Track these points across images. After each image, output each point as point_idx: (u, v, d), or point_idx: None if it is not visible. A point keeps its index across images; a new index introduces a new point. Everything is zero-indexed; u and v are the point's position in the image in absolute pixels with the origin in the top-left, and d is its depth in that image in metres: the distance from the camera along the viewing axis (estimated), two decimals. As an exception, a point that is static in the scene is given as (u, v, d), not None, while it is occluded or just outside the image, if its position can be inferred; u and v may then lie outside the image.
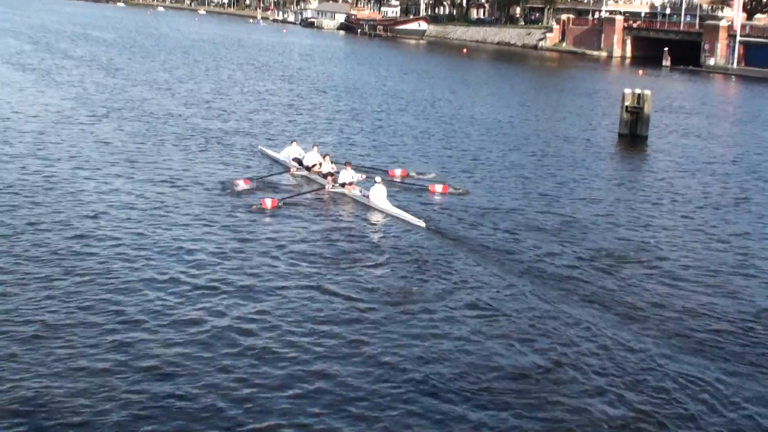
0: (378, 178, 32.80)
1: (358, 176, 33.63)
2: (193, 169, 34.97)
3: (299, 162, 36.13)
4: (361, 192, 33.00)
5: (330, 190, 33.53)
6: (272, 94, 65.79)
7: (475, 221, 29.62)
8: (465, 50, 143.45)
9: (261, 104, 58.27)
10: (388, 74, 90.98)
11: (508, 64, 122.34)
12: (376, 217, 30.90)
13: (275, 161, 37.85)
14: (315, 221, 29.33)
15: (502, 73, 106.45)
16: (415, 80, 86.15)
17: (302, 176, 35.73)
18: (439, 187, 33.99)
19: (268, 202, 30.77)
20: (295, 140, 37.74)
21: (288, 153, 36.67)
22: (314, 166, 35.35)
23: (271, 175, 35.08)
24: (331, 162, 34.88)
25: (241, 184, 33.10)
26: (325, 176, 34.59)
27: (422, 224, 28.36)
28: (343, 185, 33.66)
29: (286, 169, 36.09)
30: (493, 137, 50.22)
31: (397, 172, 36.51)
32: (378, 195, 32.20)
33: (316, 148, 36.20)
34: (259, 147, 38.88)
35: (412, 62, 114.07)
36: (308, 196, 32.30)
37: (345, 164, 33.93)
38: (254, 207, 29.89)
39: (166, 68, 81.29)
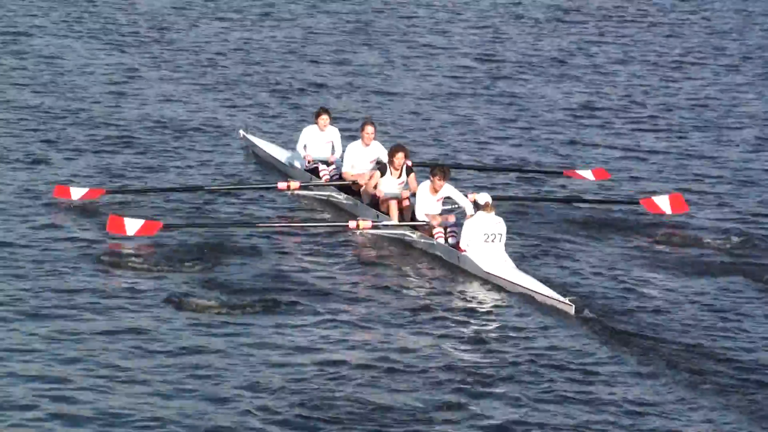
0: (482, 197, 14.11)
1: (466, 205, 14.71)
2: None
3: (326, 165, 17.26)
4: (446, 234, 14.79)
5: (362, 230, 15.11)
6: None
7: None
8: None
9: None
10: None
11: None
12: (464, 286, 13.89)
13: (268, 162, 19.01)
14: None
15: None
16: None
17: (315, 197, 17.03)
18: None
19: (131, 225, 14.51)
20: (327, 110, 17.74)
21: (305, 143, 17.37)
22: (366, 184, 16.17)
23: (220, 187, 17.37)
24: (408, 171, 15.93)
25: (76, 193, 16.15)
26: (382, 203, 15.71)
27: (570, 307, 12.74)
28: (409, 226, 15.25)
29: (271, 185, 17.12)
30: None
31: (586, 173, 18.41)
32: (478, 240, 13.94)
33: (368, 129, 16.59)
34: (242, 132, 19.52)
35: None
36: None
37: (434, 174, 15.00)
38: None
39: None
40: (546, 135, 21.67)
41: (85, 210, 15.86)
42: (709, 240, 15.63)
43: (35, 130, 20.01)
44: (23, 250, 14.13)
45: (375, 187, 15.58)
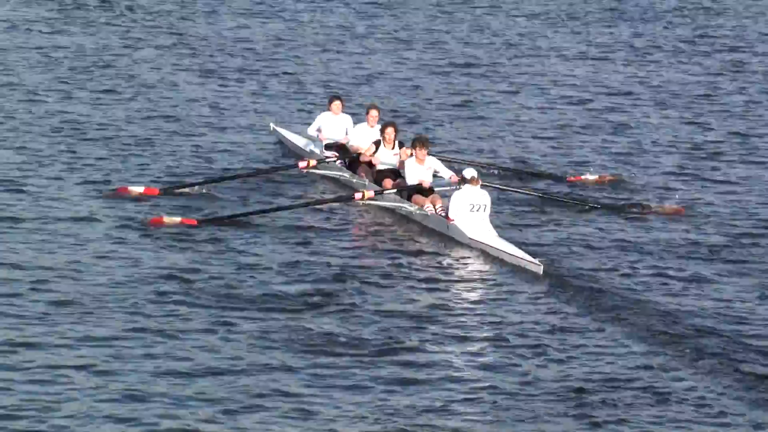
0: (468, 172, 15.70)
1: (448, 174, 16.77)
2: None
3: (339, 148, 18.84)
4: (437, 209, 16.28)
5: (366, 200, 16.76)
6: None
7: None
8: None
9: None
10: None
11: None
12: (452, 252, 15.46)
13: (289, 148, 20.68)
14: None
15: None
16: None
17: (324, 175, 18.78)
18: None
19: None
20: (339, 97, 19.60)
21: (320, 125, 19.03)
22: (363, 155, 17.97)
23: (249, 175, 18.77)
24: (400, 144, 17.80)
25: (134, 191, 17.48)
26: (380, 177, 17.59)
27: (539, 267, 14.39)
28: (402, 192, 16.83)
29: (293, 164, 18.92)
30: None
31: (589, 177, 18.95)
32: (464, 211, 15.43)
33: (373, 113, 18.41)
34: (271, 125, 21.08)
35: None
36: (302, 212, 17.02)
37: (414, 146, 16.83)
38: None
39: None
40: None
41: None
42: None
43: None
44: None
45: (372, 156, 17.35)
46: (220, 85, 25.29)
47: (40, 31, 29.47)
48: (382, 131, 17.46)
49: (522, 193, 17.65)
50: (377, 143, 17.48)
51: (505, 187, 17.58)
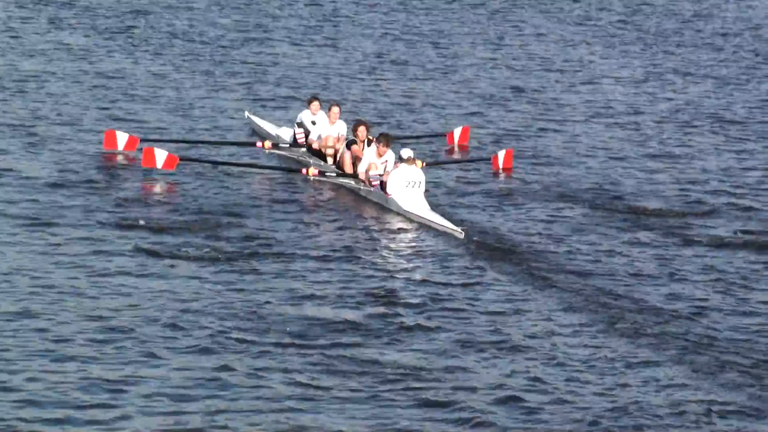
0: (405, 152, 18.00)
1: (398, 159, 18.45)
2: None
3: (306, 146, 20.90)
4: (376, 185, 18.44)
5: (313, 176, 19.01)
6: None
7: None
8: None
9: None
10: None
11: None
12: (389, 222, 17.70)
13: (261, 136, 22.80)
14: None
15: None
16: None
17: (280, 155, 21.08)
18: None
19: (160, 157, 18.72)
20: (317, 98, 21.29)
21: (303, 120, 20.99)
22: (323, 143, 20.11)
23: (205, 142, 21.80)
24: (369, 140, 19.06)
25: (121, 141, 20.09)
26: (338, 164, 19.50)
27: (461, 234, 16.58)
28: (347, 175, 19.09)
29: (251, 142, 21.52)
30: None
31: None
32: (401, 186, 17.64)
33: (334, 110, 20.26)
34: (247, 114, 23.33)
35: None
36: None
37: (380, 140, 18.62)
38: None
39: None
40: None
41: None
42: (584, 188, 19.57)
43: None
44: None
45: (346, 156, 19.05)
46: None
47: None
48: (355, 130, 19.04)
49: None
50: (351, 143, 18.94)
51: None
